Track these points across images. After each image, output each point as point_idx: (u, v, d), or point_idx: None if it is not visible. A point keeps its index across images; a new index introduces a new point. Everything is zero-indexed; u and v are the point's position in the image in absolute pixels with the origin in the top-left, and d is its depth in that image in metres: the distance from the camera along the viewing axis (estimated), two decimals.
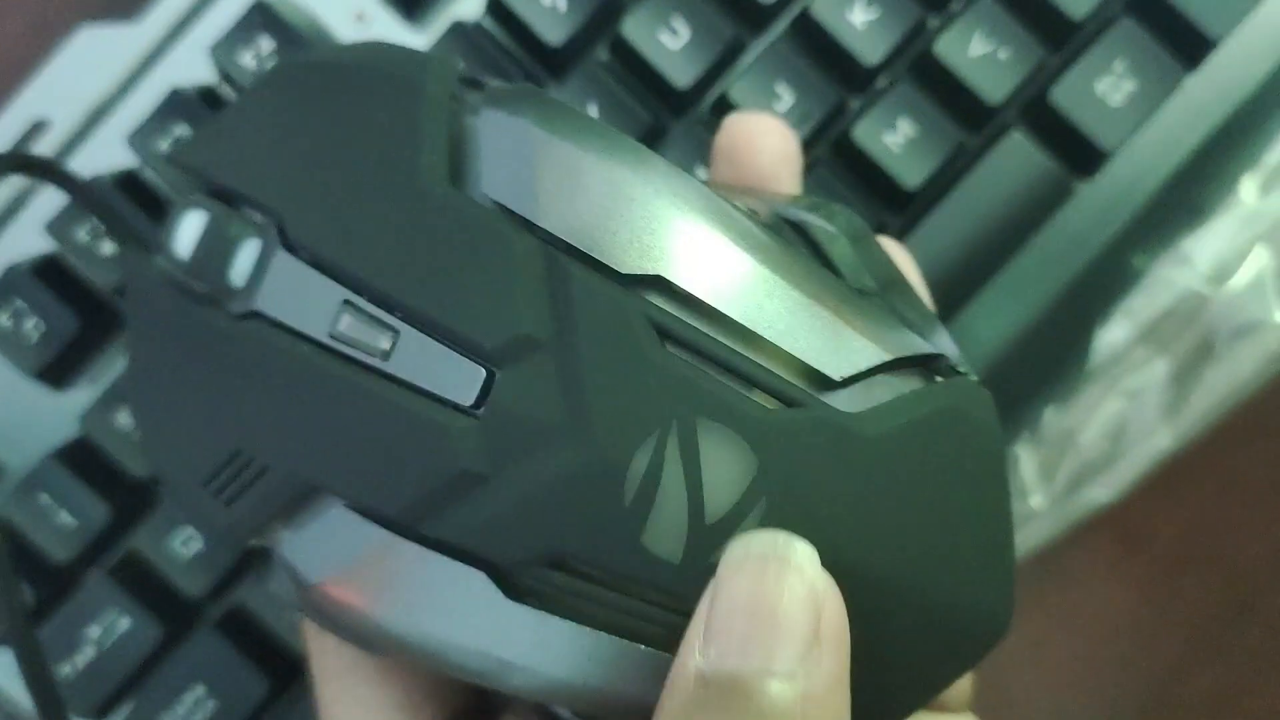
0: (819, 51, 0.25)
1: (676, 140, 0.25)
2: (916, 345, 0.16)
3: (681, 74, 0.24)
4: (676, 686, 0.13)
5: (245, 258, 0.17)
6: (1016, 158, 0.25)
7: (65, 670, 0.24)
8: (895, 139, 0.25)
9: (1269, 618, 0.29)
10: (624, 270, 0.15)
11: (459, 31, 0.24)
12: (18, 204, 0.25)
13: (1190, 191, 0.27)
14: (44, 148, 0.25)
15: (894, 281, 0.17)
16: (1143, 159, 0.26)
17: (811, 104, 0.25)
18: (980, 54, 0.25)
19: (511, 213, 0.15)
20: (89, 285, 0.25)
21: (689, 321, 0.15)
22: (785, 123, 0.21)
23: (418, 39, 0.25)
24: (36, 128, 0.25)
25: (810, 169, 0.25)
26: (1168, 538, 0.29)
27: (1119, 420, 0.28)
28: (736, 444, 0.15)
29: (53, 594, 0.25)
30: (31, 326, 0.24)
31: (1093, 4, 0.25)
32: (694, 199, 0.16)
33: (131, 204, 0.24)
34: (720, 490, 0.15)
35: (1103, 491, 0.28)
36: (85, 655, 0.24)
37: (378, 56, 0.17)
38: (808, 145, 0.25)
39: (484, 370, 0.15)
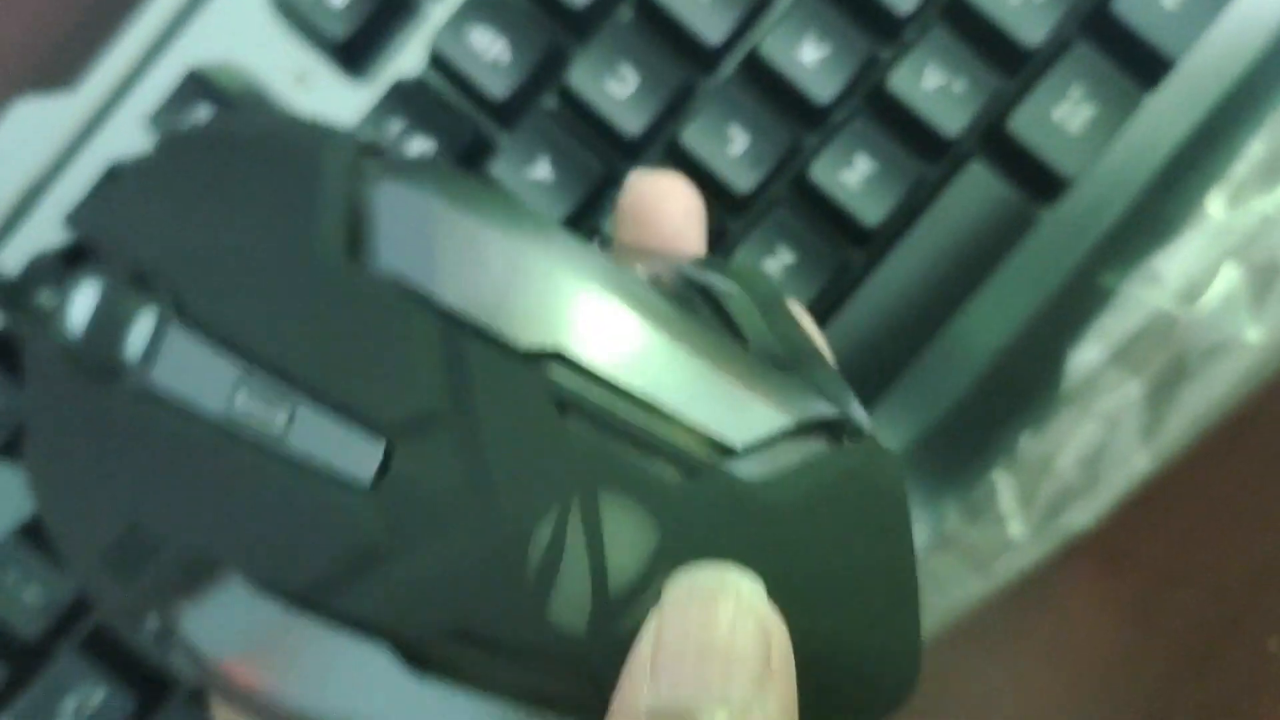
0: (770, 91, 0.24)
1: None
2: (820, 410, 0.16)
3: (631, 121, 0.24)
4: (624, 716, 0.13)
5: (139, 332, 0.17)
6: (977, 189, 0.25)
7: None
8: (853, 176, 0.24)
9: (1254, 635, 0.28)
10: (522, 346, 0.15)
11: (402, 89, 0.24)
12: None
13: (1158, 209, 0.27)
14: None
15: (800, 345, 0.17)
16: (1106, 181, 0.26)
17: (766, 145, 0.24)
18: (935, 86, 0.24)
19: (409, 287, 0.15)
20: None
21: (589, 394, 0.15)
22: (686, 181, 0.21)
23: (361, 96, 0.25)
24: None
25: (769, 210, 0.24)
26: (1150, 558, 0.28)
27: (1096, 444, 0.27)
28: (639, 515, 0.15)
29: (26, 669, 0.24)
30: None
31: (1046, 30, 0.24)
32: (593, 270, 0.16)
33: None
34: (624, 561, 0.14)
35: (1082, 517, 0.27)
36: None
37: (275, 127, 0.17)
38: (764, 186, 0.24)
39: (383, 444, 0.15)
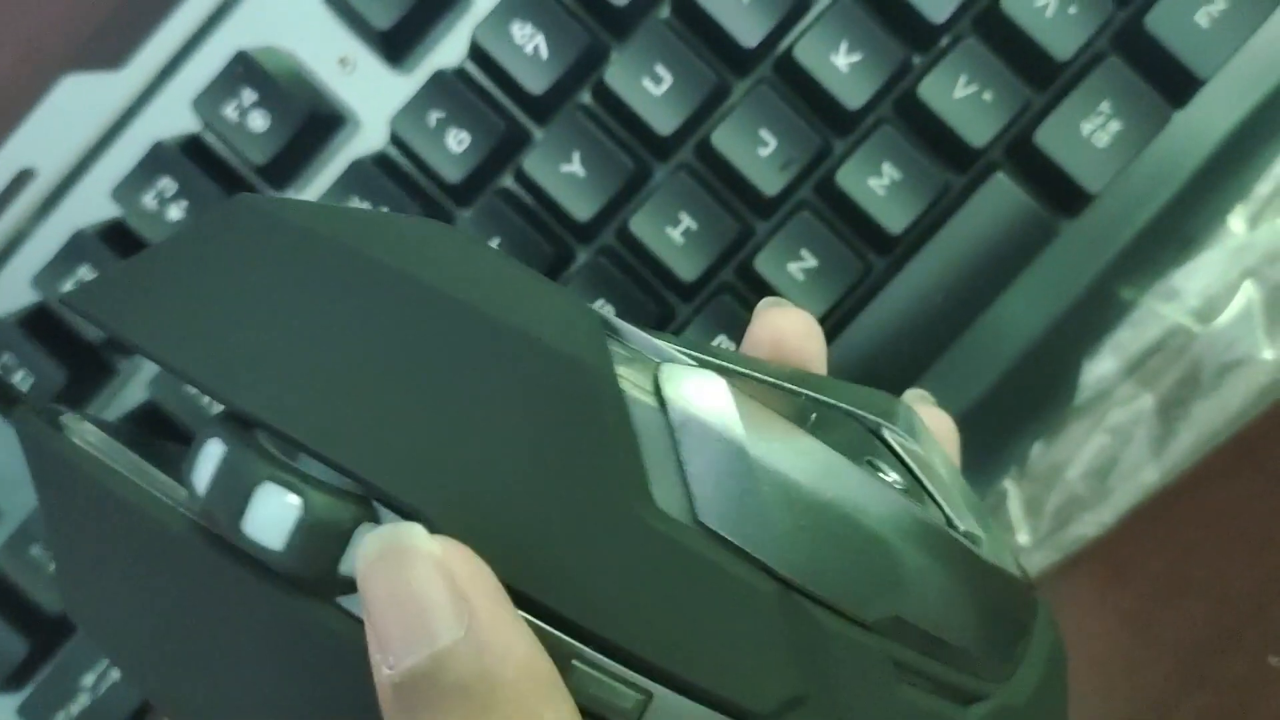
0: (802, 94, 0.25)
1: (660, 186, 0.25)
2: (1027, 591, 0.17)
3: (665, 120, 0.24)
4: (383, 700, 0.14)
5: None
6: (1001, 199, 0.25)
7: (60, 718, 0.25)
8: (880, 182, 0.25)
9: (1256, 647, 0.29)
10: (866, 617, 0.15)
11: (441, 79, 0.24)
12: (3, 257, 0.25)
13: (1180, 224, 0.27)
14: (31, 196, 0.25)
15: (978, 507, 0.18)
16: (1130, 196, 0.26)
17: (795, 148, 0.25)
18: (964, 95, 0.25)
19: (738, 549, 0.14)
20: (77, 336, 0.25)
21: (915, 655, 0.15)
22: (812, 318, 0.21)
23: (403, 83, 0.25)
24: (23, 176, 0.25)
25: (795, 213, 0.25)
26: (1155, 569, 0.29)
27: (1106, 456, 0.28)
28: None
29: (48, 643, 0.25)
30: (20, 379, 0.24)
31: (1079, 44, 0.25)
32: (903, 521, 0.15)
33: (116, 254, 0.24)
34: None
35: (1090, 528, 0.28)
36: (80, 703, 0.24)
37: (504, 290, 0.15)
38: (792, 189, 0.25)
39: None
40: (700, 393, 0.14)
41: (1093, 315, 0.27)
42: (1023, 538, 0.28)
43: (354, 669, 0.14)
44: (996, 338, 0.26)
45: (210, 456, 0.14)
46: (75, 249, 0.24)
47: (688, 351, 0.16)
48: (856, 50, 0.24)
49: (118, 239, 0.25)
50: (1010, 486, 0.28)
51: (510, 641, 0.13)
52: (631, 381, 0.14)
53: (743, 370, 0.17)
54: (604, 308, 0.25)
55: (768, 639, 0.14)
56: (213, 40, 0.25)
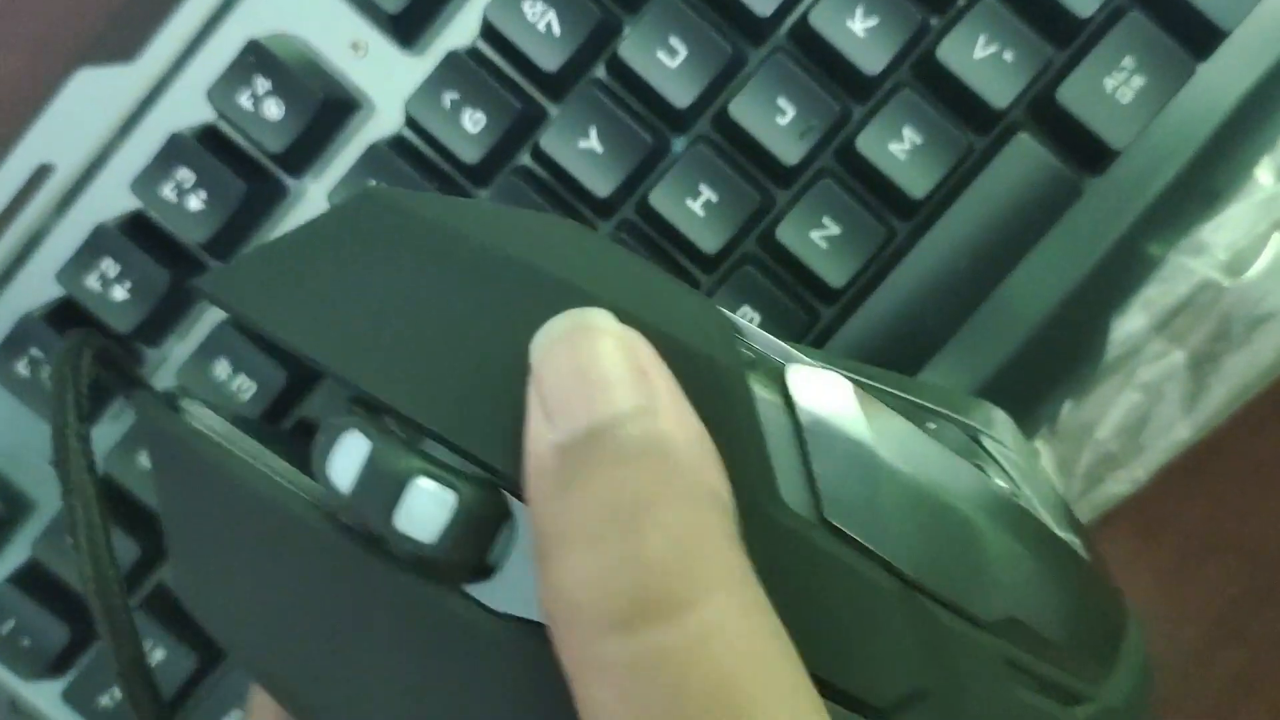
0: (819, 62, 0.25)
1: (680, 158, 0.24)
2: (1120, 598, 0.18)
3: (681, 93, 0.24)
4: (539, 469, 0.14)
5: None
6: (1024, 160, 0.25)
7: (104, 702, 0.25)
8: (901, 147, 0.24)
9: None
10: (986, 618, 0.15)
11: (454, 60, 0.24)
12: (28, 250, 0.25)
13: (1206, 178, 0.27)
14: (50, 192, 0.25)
15: (1060, 504, 0.19)
16: (1156, 151, 0.26)
17: (814, 116, 0.24)
18: (984, 55, 0.24)
19: (862, 546, 0.15)
20: (105, 327, 0.25)
21: (1031, 658, 0.16)
22: None
23: (416, 65, 0.25)
24: (42, 171, 0.26)
25: (816, 180, 0.25)
26: (1188, 524, 0.29)
27: (1138, 414, 0.28)
28: None
29: (88, 631, 0.25)
30: (49, 374, 0.24)
31: None
32: (1018, 524, 0.16)
33: (138, 246, 0.24)
34: None
35: (1122, 486, 0.28)
36: None
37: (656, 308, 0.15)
38: (812, 157, 0.25)
39: None
40: (826, 394, 0.15)
41: (1121, 272, 0.27)
42: None
43: (485, 658, 0.14)
44: (1024, 298, 0.26)
45: (352, 450, 0.14)
46: (97, 242, 0.24)
47: (805, 352, 0.16)
48: (873, 14, 0.24)
49: (139, 231, 0.25)
50: (1041, 446, 0.28)
51: (686, 416, 0.14)
52: (760, 382, 0.15)
53: (851, 376, 0.17)
54: None
55: (889, 635, 0.14)
56: (224, 28, 0.25)
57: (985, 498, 0.16)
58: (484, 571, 0.15)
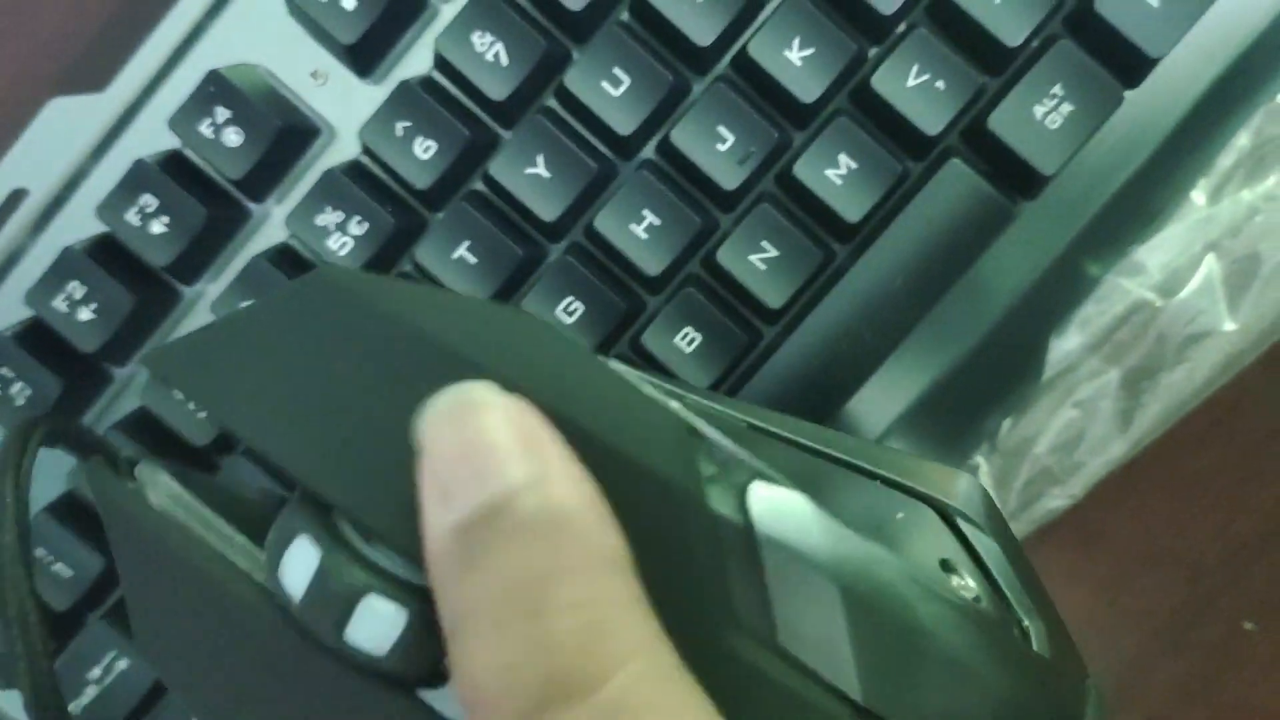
0: (759, 90, 0.25)
1: (624, 184, 0.25)
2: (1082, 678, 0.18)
3: (624, 121, 0.25)
4: (438, 552, 0.13)
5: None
6: (957, 185, 0.26)
7: (70, 708, 0.26)
8: (837, 172, 0.25)
9: (1230, 614, 0.29)
10: None
11: (407, 89, 0.25)
12: (3, 272, 0.26)
13: (1143, 199, 0.28)
14: (24, 215, 0.26)
15: (1028, 577, 0.19)
16: (1089, 175, 0.27)
17: (753, 143, 0.25)
18: (917, 84, 0.25)
19: (817, 676, 0.15)
20: (72, 348, 0.26)
21: None
22: None
23: (374, 93, 0.26)
24: (15, 195, 0.27)
25: (755, 205, 0.26)
26: (1125, 538, 0.30)
27: (1074, 430, 0.28)
28: None
29: (55, 639, 0.26)
30: (18, 390, 0.25)
31: (1030, 29, 0.25)
32: (981, 646, 0.16)
33: (103, 269, 0.25)
34: None
35: (1059, 501, 0.28)
36: (88, 695, 0.26)
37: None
38: (751, 183, 0.26)
39: None
40: (787, 516, 0.15)
41: (1058, 292, 0.28)
42: None
43: None
44: (963, 318, 0.27)
45: (302, 559, 0.14)
46: (64, 265, 0.25)
47: (768, 429, 0.16)
48: (809, 45, 0.25)
49: (106, 254, 0.26)
50: (981, 462, 0.29)
51: (578, 480, 0.14)
52: (721, 500, 0.15)
53: (823, 450, 0.17)
54: (574, 304, 0.26)
55: None
56: (191, 58, 0.26)
57: (945, 617, 0.15)
58: (438, 677, 0.15)
